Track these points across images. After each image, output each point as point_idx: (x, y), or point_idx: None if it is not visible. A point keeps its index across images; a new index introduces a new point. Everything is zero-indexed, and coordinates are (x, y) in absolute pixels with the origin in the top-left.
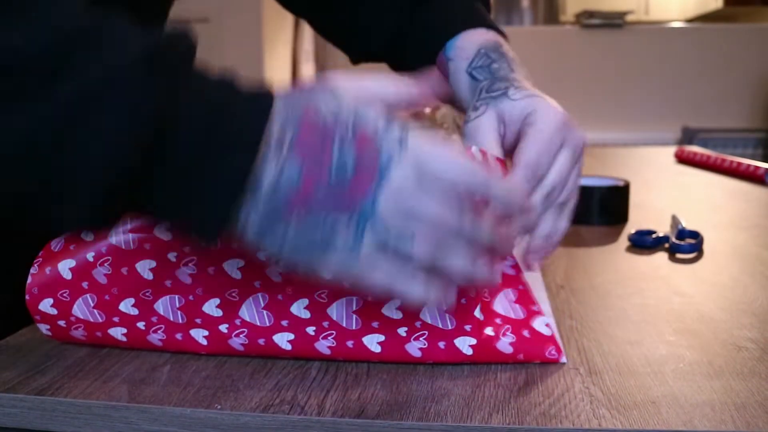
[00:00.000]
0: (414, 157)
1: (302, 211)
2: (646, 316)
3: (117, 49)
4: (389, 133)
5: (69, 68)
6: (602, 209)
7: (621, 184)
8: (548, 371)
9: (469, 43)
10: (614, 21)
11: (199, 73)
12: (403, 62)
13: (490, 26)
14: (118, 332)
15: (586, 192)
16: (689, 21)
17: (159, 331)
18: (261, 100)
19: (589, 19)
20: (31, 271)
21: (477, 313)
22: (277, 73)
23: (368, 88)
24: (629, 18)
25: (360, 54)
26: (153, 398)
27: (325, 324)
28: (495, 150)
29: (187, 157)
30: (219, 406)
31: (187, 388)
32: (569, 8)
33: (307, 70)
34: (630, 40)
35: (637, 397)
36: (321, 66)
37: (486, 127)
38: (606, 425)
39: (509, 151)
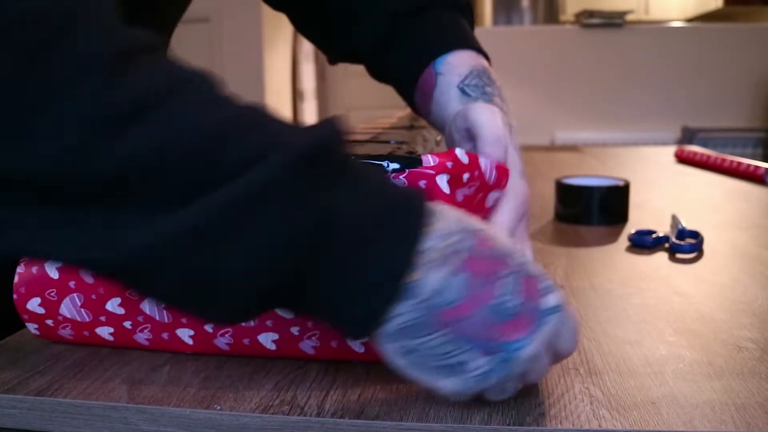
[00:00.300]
0: (559, 325)
1: (450, 329)
2: (646, 316)
3: (269, 152)
4: (551, 292)
5: (220, 174)
6: (602, 209)
7: (621, 183)
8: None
9: (460, 61)
10: (614, 20)
11: (353, 173)
12: (383, 69)
13: (479, 50)
14: (105, 331)
15: (586, 192)
16: (689, 20)
17: (145, 331)
18: (416, 207)
19: (588, 19)
20: (18, 270)
21: None
22: (277, 73)
23: None
24: (629, 17)
25: (340, 56)
26: (152, 399)
27: (309, 324)
28: (501, 130)
29: (344, 259)
30: (218, 407)
31: (186, 389)
32: (569, 8)
33: (307, 70)
34: (630, 39)
35: (637, 397)
36: (321, 66)
37: (497, 116)
38: (606, 426)
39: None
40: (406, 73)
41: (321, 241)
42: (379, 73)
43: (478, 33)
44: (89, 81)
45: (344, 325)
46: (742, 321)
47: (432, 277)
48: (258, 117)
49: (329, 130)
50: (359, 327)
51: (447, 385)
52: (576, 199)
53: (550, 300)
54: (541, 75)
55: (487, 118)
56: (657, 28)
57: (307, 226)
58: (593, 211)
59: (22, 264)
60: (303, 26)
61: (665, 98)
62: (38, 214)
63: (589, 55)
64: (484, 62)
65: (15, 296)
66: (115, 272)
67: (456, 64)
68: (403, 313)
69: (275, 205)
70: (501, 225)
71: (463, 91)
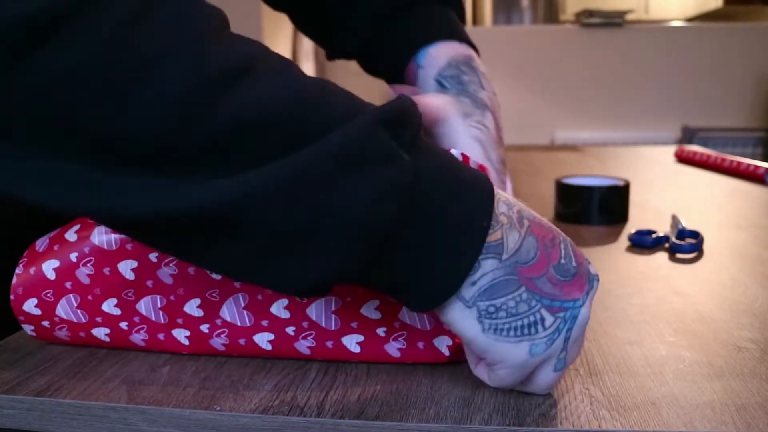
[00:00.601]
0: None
1: (525, 287)
2: (646, 317)
3: (356, 113)
4: (590, 262)
5: (313, 130)
6: (602, 209)
7: (621, 183)
8: None
9: (441, 53)
10: (614, 20)
11: (425, 144)
12: (375, 65)
13: (464, 40)
14: (101, 332)
15: (586, 192)
16: (689, 20)
17: (141, 331)
18: (484, 177)
19: (588, 18)
20: (16, 271)
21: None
22: None
23: None
24: (629, 17)
25: (337, 52)
26: (152, 399)
27: (305, 324)
28: (434, 105)
29: (430, 218)
30: (218, 407)
31: (186, 389)
32: (569, 7)
33: (307, 69)
34: (630, 39)
35: (638, 398)
36: (320, 65)
37: (441, 98)
38: (606, 426)
39: None
40: (394, 67)
41: (408, 199)
42: (371, 68)
43: (478, 32)
44: (189, 46)
45: (424, 290)
46: (742, 321)
47: (511, 237)
48: (336, 86)
49: (405, 103)
50: (443, 288)
51: (518, 353)
52: (576, 198)
53: (592, 268)
54: (541, 74)
55: (429, 99)
56: (657, 28)
57: (397, 182)
58: (593, 210)
59: (20, 265)
60: (303, 25)
61: (665, 98)
62: (136, 177)
63: (589, 55)
64: (468, 52)
65: (12, 297)
66: (213, 220)
67: (436, 57)
68: (491, 270)
69: (369, 159)
70: None
71: (439, 83)
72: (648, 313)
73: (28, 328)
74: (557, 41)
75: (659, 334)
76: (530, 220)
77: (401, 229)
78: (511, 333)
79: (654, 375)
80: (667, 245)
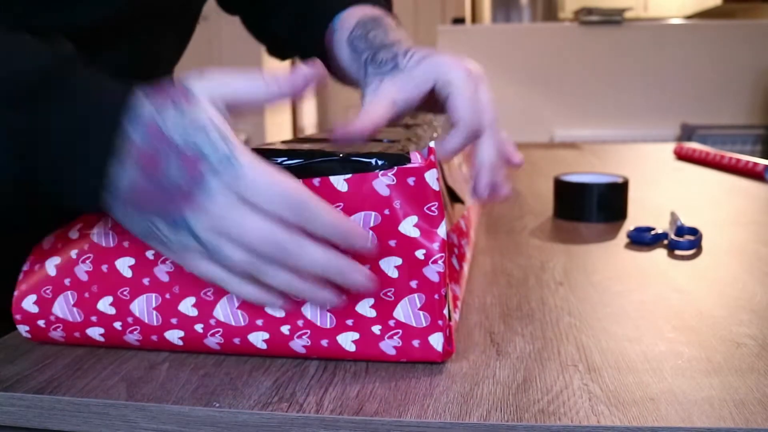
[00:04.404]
0: (238, 178)
1: (134, 208)
2: (645, 313)
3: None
4: (217, 153)
5: None
6: (601, 206)
7: (620, 180)
8: (547, 368)
9: (352, 14)
10: (613, 18)
11: (62, 93)
12: (304, 50)
13: (377, 3)
14: (95, 332)
15: (585, 189)
16: (688, 17)
17: (135, 332)
18: (115, 111)
19: (587, 16)
20: (23, 268)
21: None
22: (276, 70)
23: (226, 87)
24: (628, 15)
25: (274, 46)
26: (151, 396)
27: (300, 323)
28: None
29: (58, 163)
30: (217, 404)
31: (185, 386)
32: (568, 5)
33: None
34: (629, 36)
35: (636, 393)
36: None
37: (381, 102)
38: (605, 422)
39: (424, 110)
40: (319, 41)
41: (34, 152)
42: (303, 56)
43: (477, 30)
44: None
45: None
46: (740, 317)
47: (120, 173)
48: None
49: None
50: (88, 208)
51: (163, 251)
52: (575, 196)
53: (216, 160)
54: (540, 72)
55: (375, 110)
56: (656, 25)
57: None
58: (592, 208)
59: (27, 262)
60: (250, 28)
61: (664, 95)
62: None
63: (588, 53)
64: (378, 12)
65: (15, 293)
66: None
67: (347, 18)
68: (113, 203)
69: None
70: (465, 124)
71: (352, 46)
72: (647, 309)
73: (23, 329)
74: (556, 39)
75: (658, 330)
76: (139, 146)
77: (33, 166)
78: (150, 242)
79: (653, 371)
80: (665, 242)
